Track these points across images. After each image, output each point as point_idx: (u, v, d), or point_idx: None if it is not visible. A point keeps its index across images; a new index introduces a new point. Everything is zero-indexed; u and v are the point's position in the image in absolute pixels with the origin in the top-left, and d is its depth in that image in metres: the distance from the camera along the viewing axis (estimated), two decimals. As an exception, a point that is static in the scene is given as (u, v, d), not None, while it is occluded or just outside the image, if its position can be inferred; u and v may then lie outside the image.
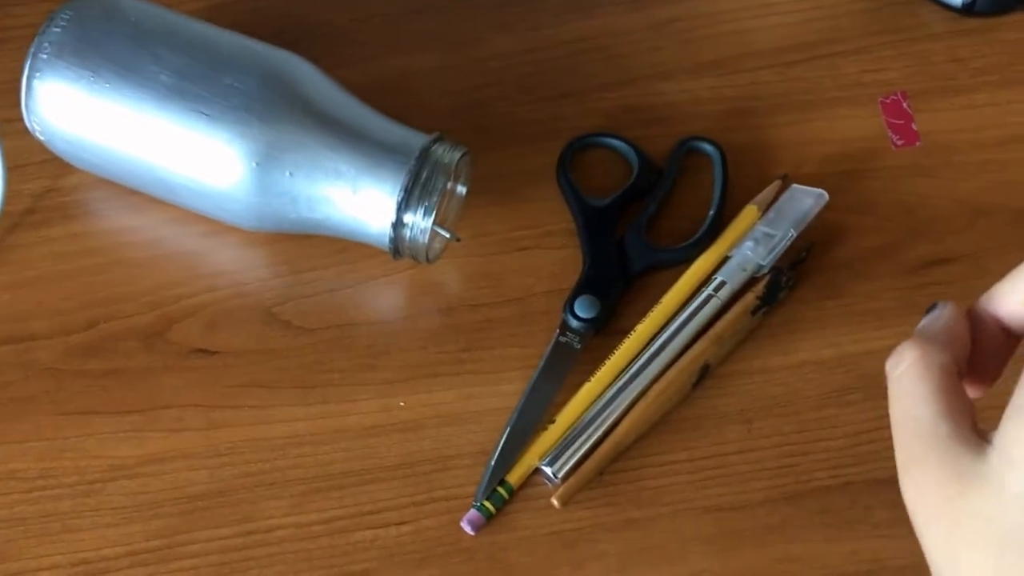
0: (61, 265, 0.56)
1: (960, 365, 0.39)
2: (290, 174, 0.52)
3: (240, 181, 0.52)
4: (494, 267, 0.56)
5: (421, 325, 0.55)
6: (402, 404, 0.53)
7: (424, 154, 0.52)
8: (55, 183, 0.57)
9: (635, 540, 0.51)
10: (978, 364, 0.40)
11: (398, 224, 0.52)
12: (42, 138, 0.55)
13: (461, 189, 0.55)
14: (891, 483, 0.51)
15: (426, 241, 0.52)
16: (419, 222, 0.52)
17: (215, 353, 0.54)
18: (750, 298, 0.54)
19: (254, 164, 0.52)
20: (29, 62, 0.53)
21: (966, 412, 0.36)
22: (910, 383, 0.37)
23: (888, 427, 0.53)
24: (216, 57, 0.53)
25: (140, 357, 0.54)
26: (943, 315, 0.40)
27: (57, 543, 0.50)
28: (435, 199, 0.52)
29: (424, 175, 0.52)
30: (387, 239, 0.53)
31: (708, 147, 0.58)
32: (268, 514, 0.51)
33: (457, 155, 0.53)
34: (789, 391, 0.54)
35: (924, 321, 0.40)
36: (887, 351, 0.54)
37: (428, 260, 0.54)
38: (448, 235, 0.54)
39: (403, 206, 0.52)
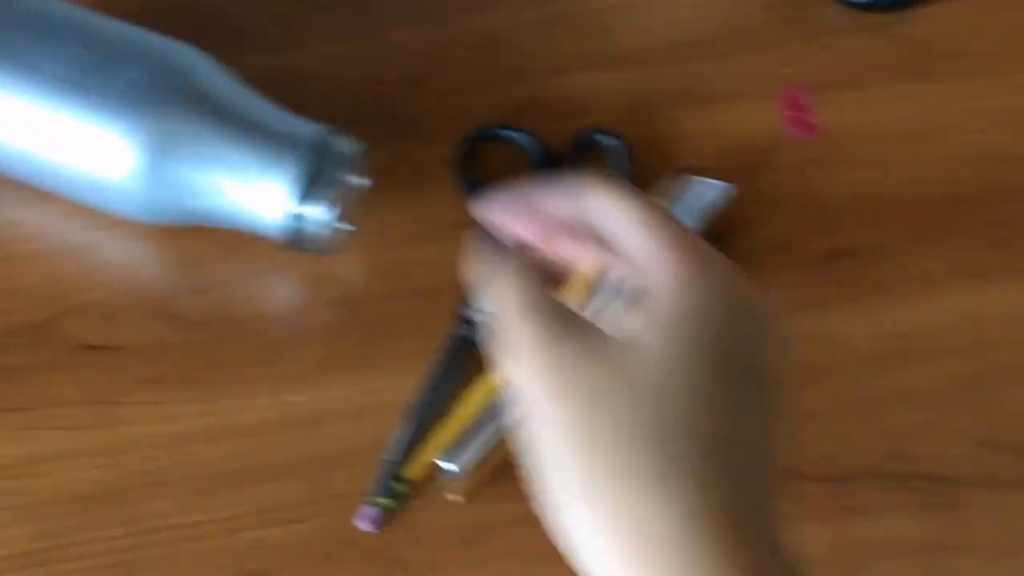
0: (-56, 261, 0.54)
1: None
2: (185, 166, 0.51)
3: (133, 173, 0.51)
4: (397, 260, 0.55)
5: (319, 318, 0.54)
6: (298, 399, 0.52)
7: (320, 146, 0.51)
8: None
9: (543, 537, 0.50)
10: None
11: (296, 217, 0.51)
12: None
13: (359, 180, 0.55)
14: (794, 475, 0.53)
15: (324, 233, 0.51)
16: (316, 214, 0.51)
17: (105, 349, 0.53)
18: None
19: (147, 156, 0.50)
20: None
21: None
22: None
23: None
24: (109, 48, 0.52)
25: (28, 354, 0.52)
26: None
27: (-64, 546, 0.49)
28: (332, 191, 0.51)
29: (321, 167, 0.51)
30: (284, 232, 0.51)
31: (609, 140, 0.58)
32: (160, 513, 0.50)
33: (353, 146, 0.52)
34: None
35: None
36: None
37: (326, 252, 0.53)
38: (345, 226, 0.53)
39: (300, 198, 0.51)
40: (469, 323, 0.53)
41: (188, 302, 0.54)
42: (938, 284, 0.56)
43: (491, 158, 0.58)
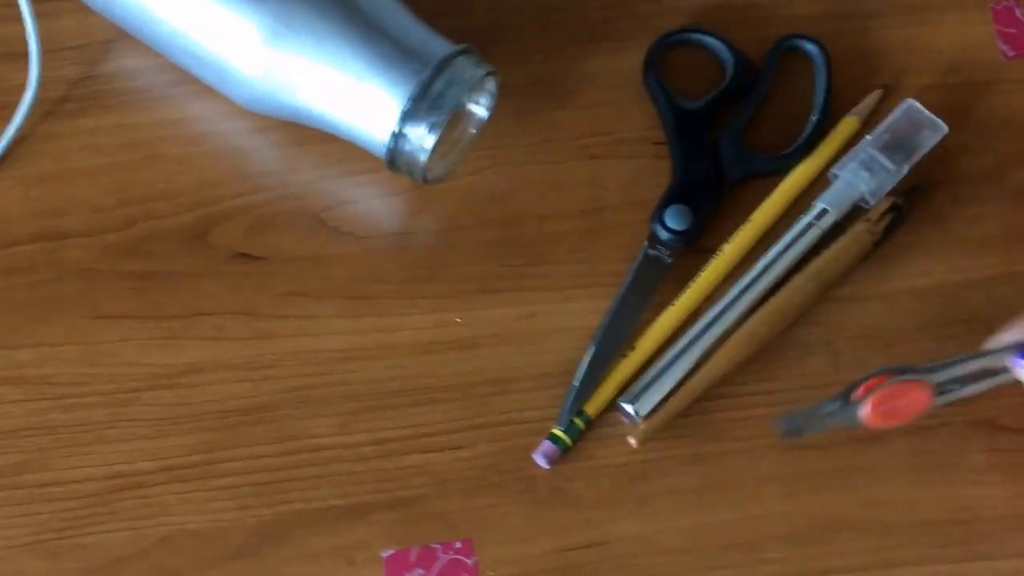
0: (97, 159, 0.52)
1: None
2: (296, 56, 0.47)
3: (247, 57, 0.48)
4: (561, 176, 0.52)
5: (481, 236, 0.51)
6: (458, 320, 0.49)
7: (443, 65, 0.47)
8: (92, 70, 0.53)
9: (708, 476, 0.47)
10: None
11: (399, 135, 0.47)
12: None
13: (481, 111, 0.50)
14: (991, 426, 0.48)
15: (424, 160, 0.47)
16: (421, 137, 0.47)
17: (259, 259, 0.50)
18: (864, 238, 0.49)
19: (262, 40, 0.47)
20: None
21: None
22: None
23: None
24: None
25: (180, 260, 0.50)
26: None
27: (90, 454, 0.47)
28: (444, 116, 0.47)
29: (437, 88, 0.47)
30: (384, 149, 0.48)
31: (810, 46, 0.53)
32: (314, 432, 0.48)
33: (480, 73, 0.47)
34: (881, 322, 0.49)
35: None
36: (991, 282, 0.51)
37: (425, 180, 0.49)
38: (445, 157, 0.49)
39: (408, 116, 0.47)
40: (659, 244, 0.50)
41: (345, 213, 0.51)
42: None
43: (679, 66, 0.53)
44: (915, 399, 0.43)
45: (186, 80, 0.51)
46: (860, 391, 0.43)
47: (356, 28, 0.47)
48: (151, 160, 0.52)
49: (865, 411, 0.43)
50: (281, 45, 0.47)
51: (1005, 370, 0.44)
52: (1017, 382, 0.45)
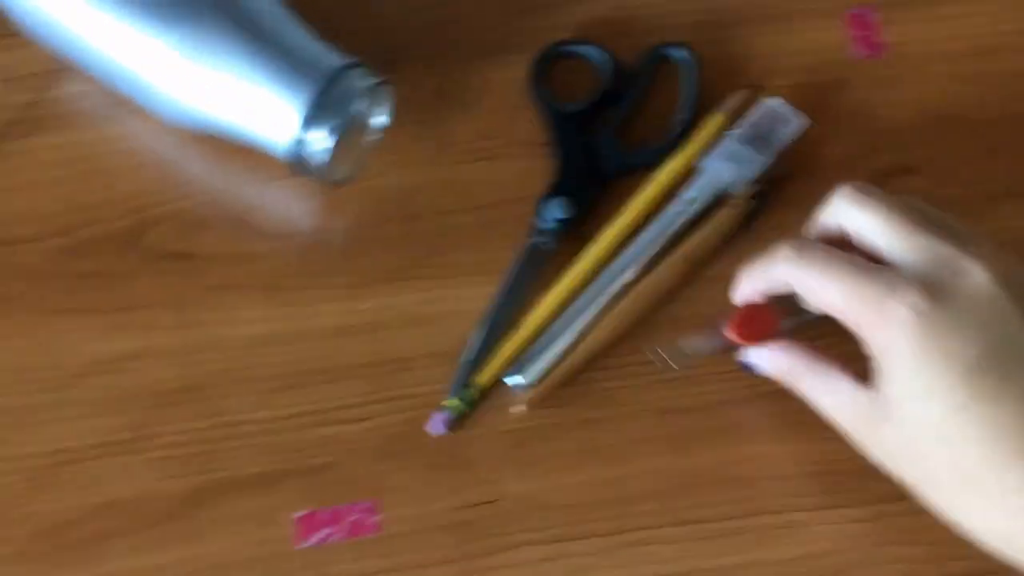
0: (45, 174, 0.58)
1: None
2: (207, 74, 0.53)
3: (166, 77, 0.54)
4: (459, 176, 0.57)
5: (386, 232, 0.56)
6: (365, 307, 0.55)
7: (336, 76, 0.53)
8: (39, 96, 0.59)
9: (589, 440, 0.53)
10: None
11: (300, 141, 0.53)
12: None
13: (380, 119, 0.56)
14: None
15: (325, 161, 0.53)
16: (320, 140, 0.53)
17: (187, 257, 0.56)
18: (729, 221, 0.55)
19: (176, 61, 0.53)
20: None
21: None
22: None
23: (833, 336, 0.54)
24: None
25: (117, 260, 0.56)
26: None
27: (35, 433, 0.53)
28: (339, 121, 0.52)
29: (332, 97, 0.52)
30: (289, 154, 0.53)
31: (680, 52, 0.58)
32: (234, 409, 0.53)
33: (370, 82, 0.53)
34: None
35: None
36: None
37: (330, 181, 0.54)
38: (349, 159, 0.54)
39: (308, 123, 0.52)
40: (542, 233, 0.55)
41: (267, 214, 0.57)
42: (998, 202, 0.56)
43: (563, 74, 0.59)
44: (767, 317, 0.51)
45: (121, 102, 0.57)
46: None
47: (259, 47, 0.53)
48: (92, 173, 0.58)
49: (729, 330, 0.51)
50: (193, 65, 0.53)
51: None
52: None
